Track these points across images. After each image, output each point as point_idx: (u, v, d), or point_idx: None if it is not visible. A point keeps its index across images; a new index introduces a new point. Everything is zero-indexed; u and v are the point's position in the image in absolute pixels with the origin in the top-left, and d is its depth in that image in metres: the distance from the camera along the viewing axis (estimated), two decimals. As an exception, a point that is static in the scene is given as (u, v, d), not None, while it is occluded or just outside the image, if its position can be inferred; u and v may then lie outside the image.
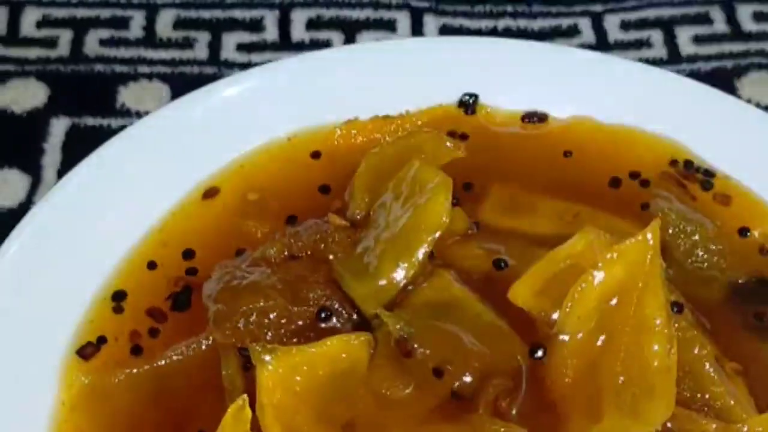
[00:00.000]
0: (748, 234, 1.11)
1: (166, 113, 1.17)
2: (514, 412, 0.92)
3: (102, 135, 1.25)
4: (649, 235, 0.92)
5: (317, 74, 1.20)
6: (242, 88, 1.19)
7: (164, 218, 1.12)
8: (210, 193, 1.14)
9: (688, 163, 1.17)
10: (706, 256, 1.08)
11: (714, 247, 1.08)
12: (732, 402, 0.94)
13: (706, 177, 1.16)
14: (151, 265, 1.08)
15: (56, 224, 1.07)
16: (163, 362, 0.99)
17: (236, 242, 1.08)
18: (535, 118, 1.21)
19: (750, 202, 1.14)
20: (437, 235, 0.99)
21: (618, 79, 1.21)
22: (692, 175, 1.16)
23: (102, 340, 1.02)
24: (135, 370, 0.99)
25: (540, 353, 0.94)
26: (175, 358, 0.99)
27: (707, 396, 0.94)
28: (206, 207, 1.13)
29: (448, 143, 1.10)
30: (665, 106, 1.20)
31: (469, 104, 1.21)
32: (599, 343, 0.93)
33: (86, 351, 1.01)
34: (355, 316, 0.99)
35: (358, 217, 1.07)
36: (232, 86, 1.19)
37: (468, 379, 0.93)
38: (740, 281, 1.08)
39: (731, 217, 1.13)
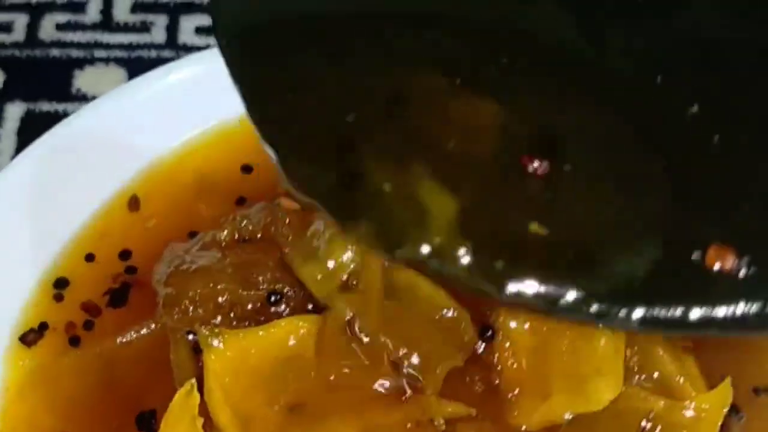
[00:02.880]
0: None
1: (113, 98, 1.16)
2: (463, 391, 0.92)
3: (58, 120, 1.24)
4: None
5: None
6: (193, 71, 1.17)
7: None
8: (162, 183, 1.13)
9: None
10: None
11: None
12: (681, 380, 0.94)
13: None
14: (89, 257, 1.07)
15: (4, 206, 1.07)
16: (112, 345, 0.99)
17: (187, 225, 1.07)
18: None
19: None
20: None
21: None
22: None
23: (44, 326, 1.01)
24: (83, 354, 0.99)
25: (489, 333, 0.94)
26: (124, 341, 0.99)
27: (657, 374, 0.94)
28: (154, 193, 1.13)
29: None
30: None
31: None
32: (548, 322, 0.93)
33: (28, 337, 1.00)
34: (306, 300, 0.99)
35: (311, 199, 1.06)
36: (183, 69, 1.17)
37: (416, 360, 0.92)
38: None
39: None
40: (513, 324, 0.94)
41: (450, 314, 0.95)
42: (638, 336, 0.95)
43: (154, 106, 1.15)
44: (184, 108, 1.16)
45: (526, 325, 0.94)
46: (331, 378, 0.92)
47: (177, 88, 1.16)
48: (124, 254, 1.06)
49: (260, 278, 0.99)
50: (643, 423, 0.91)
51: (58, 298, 1.03)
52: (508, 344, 0.94)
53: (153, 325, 0.99)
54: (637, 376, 0.94)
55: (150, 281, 1.02)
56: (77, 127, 1.12)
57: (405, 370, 0.92)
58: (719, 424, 0.91)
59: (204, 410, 0.89)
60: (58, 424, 0.96)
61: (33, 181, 1.08)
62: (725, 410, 0.90)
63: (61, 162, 1.10)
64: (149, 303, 1.01)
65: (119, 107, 1.14)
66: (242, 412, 0.90)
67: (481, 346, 0.94)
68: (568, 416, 0.90)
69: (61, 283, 1.04)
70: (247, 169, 1.14)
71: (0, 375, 0.99)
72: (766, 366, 1.00)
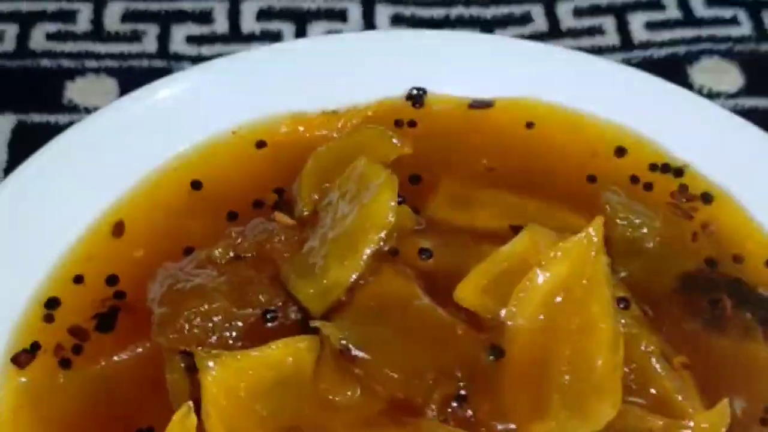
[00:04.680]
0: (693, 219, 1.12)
1: (101, 116, 1.15)
2: (462, 414, 0.92)
3: (49, 131, 1.23)
4: (592, 232, 0.92)
5: (264, 69, 1.19)
6: (185, 85, 1.17)
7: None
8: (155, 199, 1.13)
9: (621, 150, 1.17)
10: (654, 247, 1.07)
11: (662, 239, 1.08)
12: (679, 397, 0.94)
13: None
14: (78, 279, 1.06)
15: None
16: (106, 364, 0.98)
17: (179, 244, 1.07)
18: (481, 104, 1.20)
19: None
20: (383, 234, 0.98)
21: (559, 68, 1.21)
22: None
23: (36, 346, 1.00)
24: (77, 374, 0.98)
25: (492, 354, 0.94)
26: (118, 360, 0.98)
27: (654, 392, 0.94)
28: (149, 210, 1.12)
29: (394, 140, 1.09)
30: (607, 94, 1.19)
31: (417, 97, 1.20)
32: (545, 341, 0.93)
33: (20, 358, 0.99)
34: (301, 317, 0.99)
35: (306, 215, 1.06)
36: (175, 84, 1.17)
37: (414, 382, 0.92)
38: (689, 270, 1.07)
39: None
40: (511, 337, 0.94)
41: (449, 333, 0.95)
42: (636, 353, 0.95)
43: (143, 124, 1.14)
44: (173, 124, 1.15)
45: (525, 335, 0.93)
46: (328, 400, 0.91)
47: (165, 105, 1.16)
48: (112, 279, 1.05)
49: (255, 296, 0.99)
50: (642, 441, 0.91)
51: (49, 318, 1.02)
52: (506, 362, 0.93)
53: (148, 344, 0.98)
54: (635, 394, 0.94)
55: (140, 306, 1.02)
56: (66, 147, 1.11)
57: (402, 394, 0.92)
58: (718, 442, 0.90)
59: (201, 431, 0.89)
60: (50, 446, 0.95)
61: (21, 202, 1.07)
62: (724, 430, 0.90)
63: (49, 182, 1.09)
64: (138, 329, 1.00)
65: (107, 126, 1.13)
66: (239, 434, 0.89)
67: (483, 367, 0.93)
68: (568, 436, 0.90)
69: (51, 304, 1.03)
70: (236, 182, 1.13)
71: (-8, 398, 0.98)
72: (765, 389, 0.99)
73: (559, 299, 0.93)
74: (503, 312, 0.94)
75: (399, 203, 1.01)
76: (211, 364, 0.90)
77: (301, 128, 1.17)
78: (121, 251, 1.08)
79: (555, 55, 1.22)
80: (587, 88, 1.19)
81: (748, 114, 1.29)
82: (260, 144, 1.16)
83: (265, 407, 0.90)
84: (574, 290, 0.92)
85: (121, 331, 1.02)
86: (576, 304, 0.92)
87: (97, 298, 1.04)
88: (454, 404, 0.92)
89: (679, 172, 1.15)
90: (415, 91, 1.20)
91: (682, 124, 1.17)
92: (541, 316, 0.93)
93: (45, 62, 1.40)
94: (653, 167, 1.16)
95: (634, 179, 1.15)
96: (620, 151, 1.17)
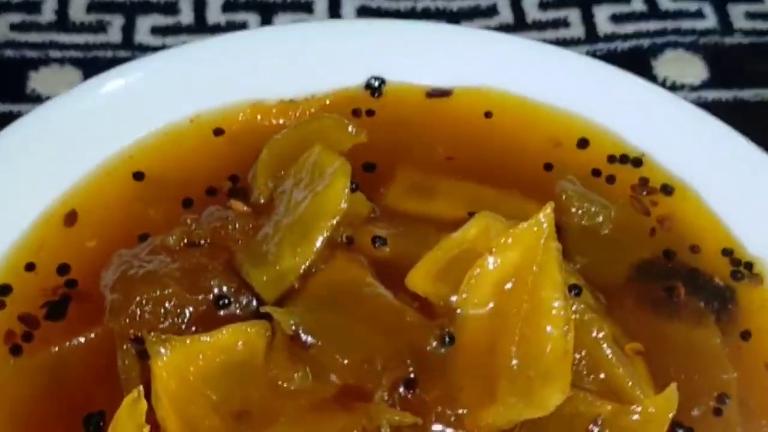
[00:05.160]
0: (650, 213, 1.12)
1: (59, 101, 1.15)
2: (412, 399, 0.92)
3: (12, 121, 1.23)
4: (542, 218, 0.92)
5: (223, 57, 1.19)
6: (142, 74, 1.17)
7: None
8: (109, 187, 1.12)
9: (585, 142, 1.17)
10: (610, 235, 1.08)
11: (618, 227, 1.08)
12: (630, 383, 0.94)
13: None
14: (30, 267, 1.06)
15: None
16: (57, 350, 0.98)
17: (135, 230, 1.07)
18: (439, 93, 1.20)
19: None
20: (335, 221, 0.98)
21: (516, 58, 1.21)
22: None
23: (-16, 332, 1.00)
24: (26, 360, 0.98)
25: (445, 340, 0.94)
26: (69, 346, 0.98)
27: (604, 378, 0.94)
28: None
29: (350, 128, 1.10)
30: (564, 84, 1.20)
31: (375, 87, 1.20)
32: (496, 327, 0.93)
33: (-29, 343, 1.00)
34: (254, 304, 0.99)
35: (261, 202, 1.06)
36: (131, 72, 1.17)
37: (363, 368, 0.92)
38: (645, 258, 1.08)
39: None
40: (462, 323, 0.94)
41: (399, 319, 0.95)
42: (587, 339, 0.95)
43: (99, 112, 1.14)
44: (130, 112, 1.15)
45: (476, 320, 0.94)
46: (278, 385, 0.91)
47: (121, 93, 1.16)
48: (63, 268, 1.05)
49: (208, 282, 0.99)
50: (591, 427, 0.91)
51: (0, 305, 1.02)
52: (456, 347, 0.94)
53: (99, 330, 0.98)
54: (585, 380, 0.94)
55: (91, 294, 1.01)
56: (20, 135, 1.11)
57: (352, 379, 0.92)
58: (665, 428, 0.90)
59: (151, 418, 0.88)
60: (2, 429, 0.95)
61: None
62: (671, 414, 0.90)
63: (3, 169, 1.09)
64: (89, 317, 1.00)
65: (62, 114, 1.13)
66: (189, 420, 0.89)
67: (433, 352, 0.94)
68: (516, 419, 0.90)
69: (2, 290, 1.03)
70: (192, 169, 1.13)
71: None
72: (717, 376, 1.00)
73: (509, 285, 0.93)
74: (454, 298, 0.94)
75: (353, 190, 1.01)
76: (161, 349, 0.90)
77: (258, 117, 1.17)
78: (73, 240, 1.07)
79: (511, 45, 1.22)
80: (544, 78, 1.19)
81: (712, 106, 1.29)
82: (218, 131, 1.16)
83: (216, 392, 0.90)
84: (524, 276, 0.92)
85: (71, 319, 1.01)
86: (526, 290, 0.92)
87: (48, 286, 1.04)
88: (405, 389, 0.92)
89: (637, 162, 1.16)
90: (373, 81, 1.20)
91: (640, 115, 1.18)
92: (492, 302, 0.93)
93: (8, 52, 1.40)
94: (611, 159, 1.16)
95: (596, 172, 1.15)
96: (583, 143, 1.17)
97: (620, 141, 1.17)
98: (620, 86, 1.19)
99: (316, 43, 1.20)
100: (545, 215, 0.92)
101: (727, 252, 1.09)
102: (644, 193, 1.14)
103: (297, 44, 1.20)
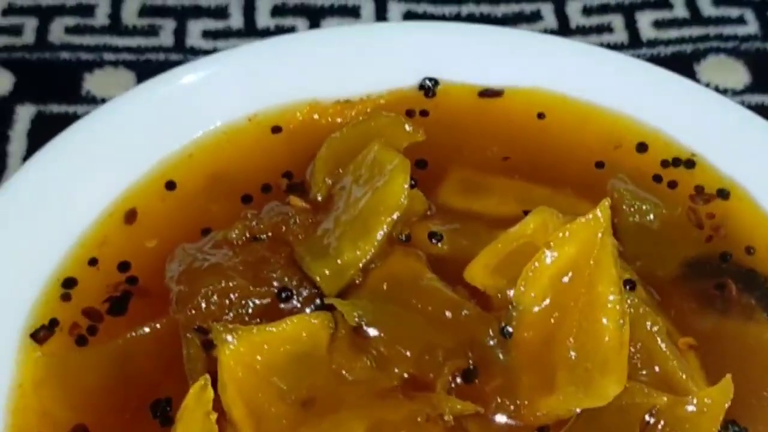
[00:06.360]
0: (704, 227, 1.13)
1: (120, 102, 1.17)
2: (471, 390, 0.94)
3: (67, 122, 1.25)
4: (599, 213, 0.94)
5: (279, 59, 1.22)
6: (202, 74, 1.19)
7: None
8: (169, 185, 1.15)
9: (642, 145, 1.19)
10: (662, 233, 1.09)
11: (669, 224, 1.10)
12: (683, 376, 0.96)
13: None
14: (93, 262, 1.08)
15: (14, 209, 1.08)
16: (122, 341, 1.00)
17: (196, 225, 1.09)
18: (491, 93, 1.22)
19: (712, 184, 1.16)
20: (395, 216, 1.01)
21: (567, 59, 1.23)
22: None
23: (54, 323, 1.02)
24: (95, 348, 1.00)
25: (504, 333, 0.95)
26: (136, 335, 1.00)
27: (658, 370, 0.96)
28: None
29: (407, 126, 1.11)
30: (618, 87, 1.21)
31: (429, 88, 1.22)
32: (553, 320, 0.95)
33: (39, 334, 1.02)
34: (316, 297, 1.01)
35: (319, 199, 1.08)
36: (193, 72, 1.19)
37: (425, 359, 0.94)
38: (698, 256, 1.09)
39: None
40: (520, 316, 0.96)
41: (459, 312, 0.97)
42: (642, 332, 0.97)
43: (160, 111, 1.17)
44: (190, 111, 1.17)
45: (534, 313, 0.95)
46: (341, 374, 0.93)
47: (182, 92, 1.18)
48: (123, 265, 1.07)
49: (271, 275, 1.01)
50: (647, 417, 0.92)
51: (66, 297, 1.04)
52: (514, 340, 0.95)
53: (164, 321, 1.01)
54: (640, 372, 0.96)
55: (151, 291, 1.04)
56: (83, 133, 1.14)
57: (414, 370, 0.94)
58: (720, 419, 0.92)
59: (218, 406, 0.91)
60: (71, 416, 0.97)
61: (40, 186, 1.10)
62: (727, 405, 0.92)
63: (67, 167, 1.12)
64: (149, 313, 1.03)
65: (124, 113, 1.16)
66: (255, 407, 0.91)
67: (492, 343, 0.95)
68: (576, 411, 0.92)
69: (69, 283, 1.05)
70: (250, 166, 1.15)
71: (13, 371, 1.00)
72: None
73: (566, 279, 0.95)
74: (512, 292, 0.96)
75: (411, 187, 1.03)
76: (228, 337, 0.92)
77: (315, 116, 1.19)
78: (133, 238, 1.10)
79: (563, 47, 1.25)
80: (594, 80, 1.21)
81: (754, 111, 1.30)
82: (276, 129, 1.18)
83: (282, 380, 0.92)
84: (581, 270, 0.94)
85: (132, 315, 1.04)
86: (583, 283, 0.94)
87: (110, 282, 1.06)
88: (464, 381, 0.94)
89: (690, 163, 1.17)
90: (427, 82, 1.22)
91: (693, 118, 1.19)
92: (549, 295, 0.95)
93: (64, 55, 1.43)
94: (665, 163, 1.17)
95: (657, 178, 1.16)
96: (642, 147, 1.19)
97: (674, 143, 1.19)
98: (672, 89, 1.21)
99: (372, 45, 1.23)
100: (602, 210, 0.94)
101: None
102: (701, 202, 1.14)
103: (353, 46, 1.23)
